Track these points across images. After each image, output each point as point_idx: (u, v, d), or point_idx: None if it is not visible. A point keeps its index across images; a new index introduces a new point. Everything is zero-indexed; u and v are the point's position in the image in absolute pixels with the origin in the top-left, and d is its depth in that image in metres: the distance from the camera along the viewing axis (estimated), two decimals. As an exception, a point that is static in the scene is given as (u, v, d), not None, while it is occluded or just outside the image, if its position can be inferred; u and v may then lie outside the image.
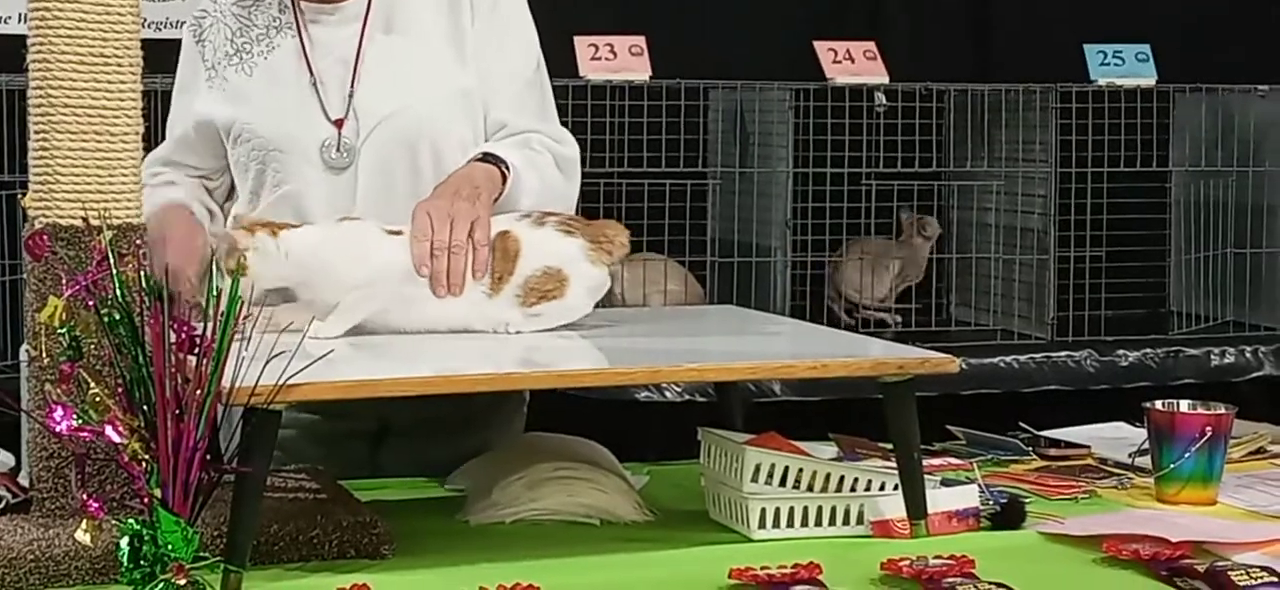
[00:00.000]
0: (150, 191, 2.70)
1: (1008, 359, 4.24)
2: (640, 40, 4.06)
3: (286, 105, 2.72)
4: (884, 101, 4.27)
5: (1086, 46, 4.33)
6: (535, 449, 2.54)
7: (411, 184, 2.68)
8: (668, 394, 4.00)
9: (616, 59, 4.01)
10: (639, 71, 4.04)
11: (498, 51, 2.78)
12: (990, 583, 2.08)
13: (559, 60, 3.72)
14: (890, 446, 2.42)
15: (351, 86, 2.71)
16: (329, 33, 2.75)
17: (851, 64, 4.20)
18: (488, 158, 2.64)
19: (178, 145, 2.80)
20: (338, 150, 2.69)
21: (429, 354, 2.38)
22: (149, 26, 3.76)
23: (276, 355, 1.99)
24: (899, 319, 4.44)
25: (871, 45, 4.24)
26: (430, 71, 2.75)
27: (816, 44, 4.22)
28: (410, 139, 2.71)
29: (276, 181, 2.71)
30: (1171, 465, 2.59)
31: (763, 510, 2.32)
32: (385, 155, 2.70)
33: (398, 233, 2.47)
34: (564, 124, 2.91)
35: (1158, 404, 2.66)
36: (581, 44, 4.00)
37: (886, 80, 4.21)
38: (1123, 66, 4.32)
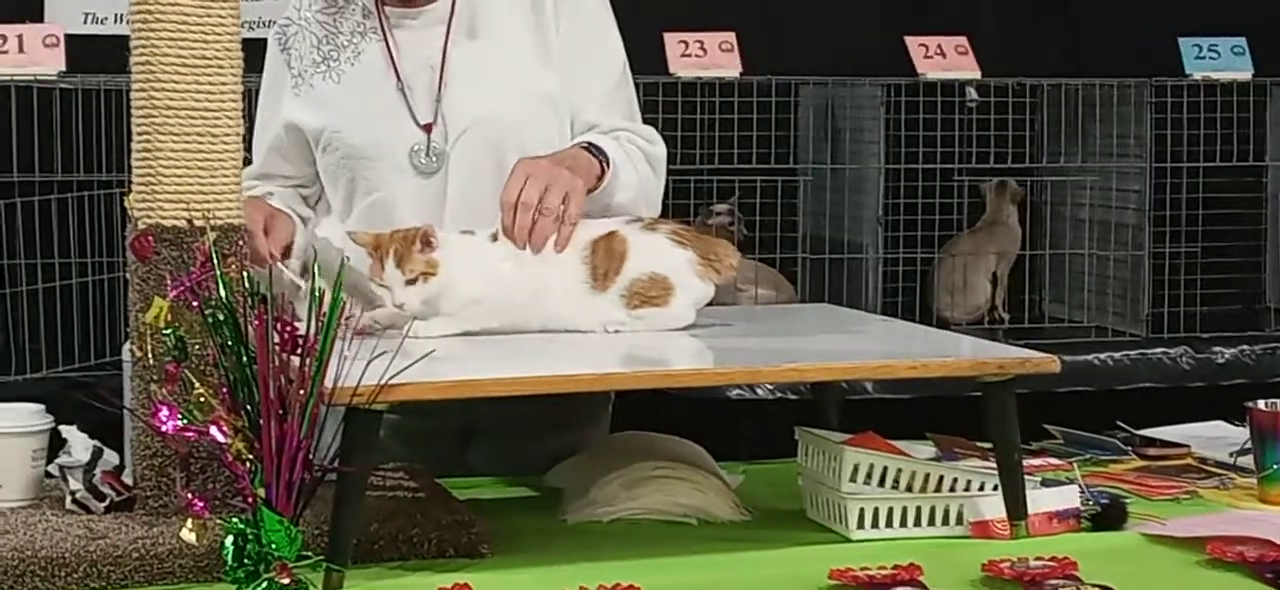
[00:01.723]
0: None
1: (1102, 356, 4.21)
2: (730, 36, 4.05)
3: (375, 111, 2.72)
4: (976, 97, 4.25)
5: (1181, 40, 4.29)
6: (632, 448, 2.54)
7: (498, 189, 2.66)
8: (759, 392, 3.99)
9: (706, 56, 4.01)
10: (729, 68, 4.03)
11: (585, 54, 2.78)
12: (1093, 584, 2.06)
13: (649, 57, 3.73)
14: (987, 446, 2.40)
15: (439, 91, 2.71)
16: (414, 37, 2.74)
17: (943, 59, 4.18)
18: (590, 147, 2.64)
19: (269, 155, 2.81)
20: (427, 155, 2.69)
21: (525, 353, 2.38)
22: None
23: (378, 355, 2.00)
24: (1007, 317, 4.40)
25: (963, 40, 4.21)
26: (516, 76, 2.74)
27: (907, 39, 4.20)
28: (499, 144, 2.70)
29: (367, 189, 2.71)
30: (1275, 466, 2.56)
31: (861, 510, 2.31)
32: (474, 160, 2.69)
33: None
34: (653, 121, 2.92)
35: (1260, 403, 2.62)
36: (671, 40, 4.00)
37: (978, 75, 4.19)
38: (1218, 60, 4.27)
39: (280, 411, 1.95)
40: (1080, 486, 2.47)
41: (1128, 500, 2.49)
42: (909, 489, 2.33)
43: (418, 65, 2.73)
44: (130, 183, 2.28)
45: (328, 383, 1.98)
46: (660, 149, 2.80)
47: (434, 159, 2.69)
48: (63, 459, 2.29)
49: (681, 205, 4.07)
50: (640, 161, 2.74)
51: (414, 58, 2.73)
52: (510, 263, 2.46)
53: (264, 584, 1.93)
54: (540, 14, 2.76)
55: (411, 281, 2.37)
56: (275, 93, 2.80)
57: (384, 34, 2.74)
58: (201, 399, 1.99)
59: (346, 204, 2.74)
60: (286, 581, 1.93)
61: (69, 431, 2.30)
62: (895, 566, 2.09)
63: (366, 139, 2.71)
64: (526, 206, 2.46)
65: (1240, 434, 2.76)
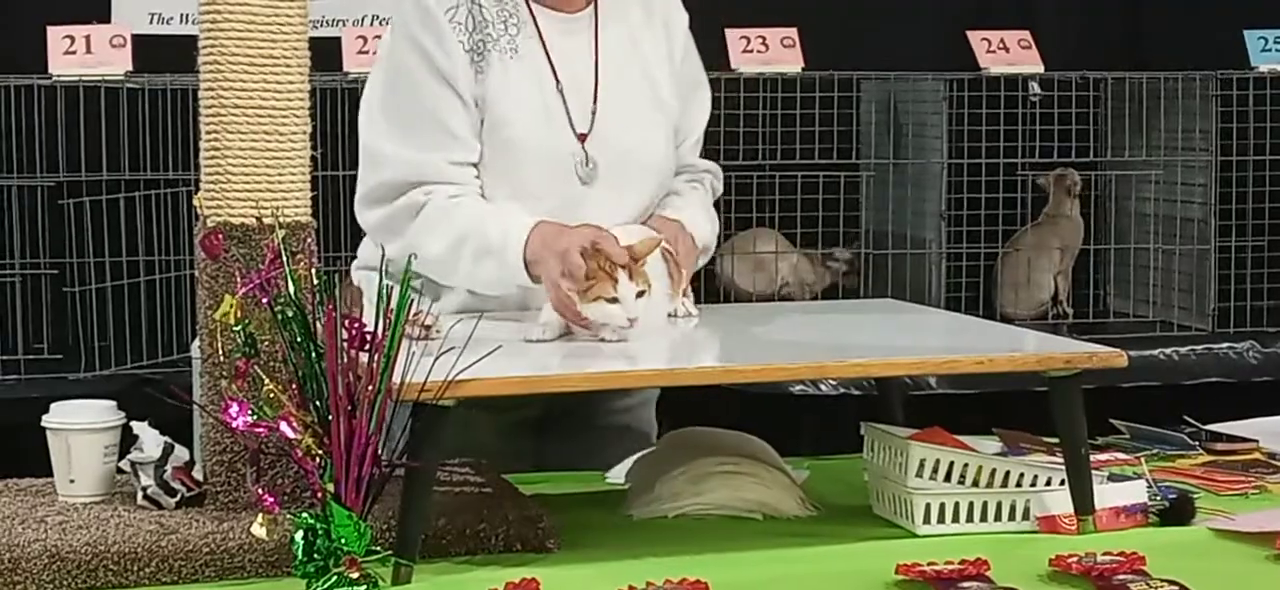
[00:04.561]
0: (481, 203, 2.66)
1: (1168, 351, 4.18)
2: (792, 32, 4.05)
3: (544, 111, 2.68)
4: (1039, 91, 4.23)
5: (1246, 32, 4.25)
6: (697, 444, 2.54)
7: (631, 214, 2.71)
8: (822, 387, 3.99)
9: (768, 51, 4.00)
10: (791, 63, 4.02)
11: (694, 94, 2.85)
12: (1162, 579, 2.05)
13: (711, 53, 3.70)
14: (1054, 441, 2.39)
15: (594, 103, 2.71)
16: (564, 40, 2.72)
17: (1006, 53, 4.16)
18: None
19: (472, 135, 2.67)
20: (585, 164, 2.68)
21: (589, 348, 2.39)
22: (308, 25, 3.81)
23: (445, 351, 2.02)
24: (1071, 312, 4.38)
25: (1026, 34, 4.19)
26: (659, 107, 2.78)
27: (970, 34, 4.18)
28: (643, 169, 2.74)
29: (537, 193, 2.64)
30: (1345, 460, 2.54)
31: (928, 505, 2.31)
32: (621, 182, 2.70)
33: None
34: (715, 117, 2.96)
35: (1330, 397, 2.60)
36: (733, 36, 4.00)
37: (1041, 70, 4.17)
38: (1284, 51, 4.24)
39: (349, 407, 1.97)
40: (1148, 481, 2.46)
41: (1195, 495, 2.47)
42: (975, 484, 2.33)
43: (572, 71, 2.71)
44: (198, 181, 2.30)
45: (396, 379, 1.99)
46: (720, 186, 2.92)
47: (592, 169, 2.69)
48: (134, 455, 2.31)
49: (743, 201, 4.08)
50: (710, 210, 2.85)
51: (568, 63, 2.71)
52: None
53: (333, 578, 1.95)
54: (671, 41, 2.80)
55: (641, 294, 2.37)
56: (443, 69, 2.65)
57: (538, 31, 2.71)
58: (271, 395, 2.01)
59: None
60: (355, 575, 1.94)
61: (140, 427, 2.32)
62: (962, 561, 2.09)
63: (540, 138, 2.67)
64: None
65: (1309, 428, 2.74)
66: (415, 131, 2.64)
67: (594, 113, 2.70)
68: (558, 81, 2.69)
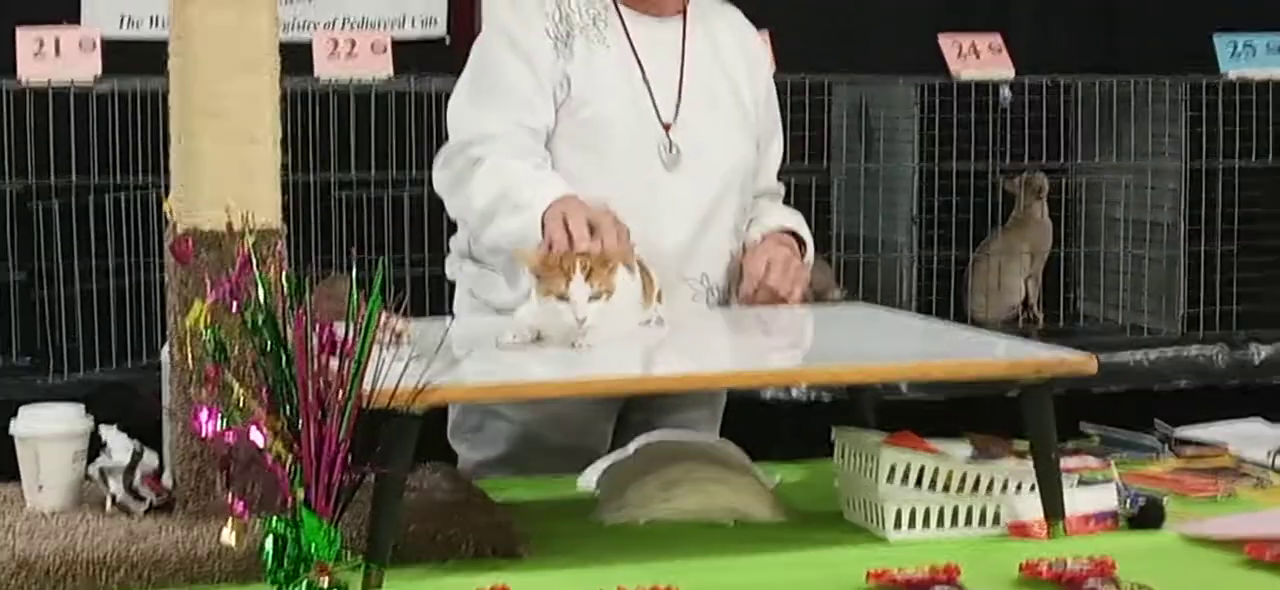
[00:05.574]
0: (535, 169, 2.74)
1: (1138, 355, 4.20)
2: (764, 35, 4.04)
3: (629, 94, 2.80)
4: (1010, 96, 4.24)
5: (1216, 37, 4.28)
6: (668, 450, 2.53)
7: (707, 204, 2.81)
8: (794, 392, 3.99)
9: (741, 55, 4.00)
10: (763, 67, 4.02)
11: (773, 129, 2.99)
12: (1132, 584, 2.06)
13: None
14: (1025, 445, 2.40)
15: (678, 101, 2.81)
16: (650, 36, 2.84)
17: (977, 58, 4.18)
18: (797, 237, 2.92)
19: (537, 102, 2.77)
20: (669, 150, 2.78)
21: (567, 354, 2.38)
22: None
23: (414, 357, 2.01)
24: (1042, 317, 4.38)
25: (997, 39, 4.21)
26: (743, 112, 2.90)
27: (941, 38, 4.20)
28: (723, 165, 2.84)
29: (617, 169, 2.75)
30: (1314, 465, 2.55)
31: (898, 511, 2.31)
32: (702, 171, 2.81)
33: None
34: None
35: (1299, 402, 2.61)
36: (706, 41, 3.99)
37: (1012, 74, 4.19)
38: (1254, 58, 4.27)
39: (319, 413, 1.96)
40: (1118, 486, 2.47)
41: (1165, 500, 2.48)
42: (946, 489, 2.33)
43: (658, 67, 2.83)
44: (168, 186, 2.29)
45: (366, 385, 1.98)
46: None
47: (675, 154, 2.79)
48: (103, 461, 2.30)
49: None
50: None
51: (654, 59, 2.83)
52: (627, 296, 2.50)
53: (303, 585, 1.94)
54: (753, 73, 2.94)
55: (594, 297, 2.37)
56: (528, 42, 2.79)
57: (625, 29, 2.82)
58: (241, 401, 2.00)
59: (582, 181, 2.72)
60: (326, 582, 1.93)
61: (109, 433, 2.31)
62: (932, 567, 2.09)
63: (626, 120, 2.79)
64: (770, 289, 2.76)
65: (1278, 432, 2.74)
66: (487, 98, 2.79)
67: (679, 104, 2.81)
68: (644, 72, 2.80)
